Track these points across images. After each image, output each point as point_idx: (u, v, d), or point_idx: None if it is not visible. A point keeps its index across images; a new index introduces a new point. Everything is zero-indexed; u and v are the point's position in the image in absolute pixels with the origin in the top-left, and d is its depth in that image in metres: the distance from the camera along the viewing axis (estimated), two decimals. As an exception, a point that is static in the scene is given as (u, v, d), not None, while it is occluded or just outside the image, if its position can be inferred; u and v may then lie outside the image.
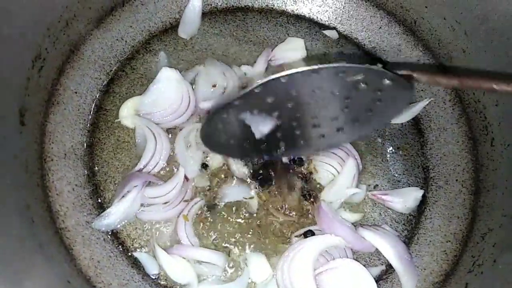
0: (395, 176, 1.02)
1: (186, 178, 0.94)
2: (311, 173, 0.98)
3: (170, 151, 0.97)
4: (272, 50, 1.08)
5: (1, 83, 0.80)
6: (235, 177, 0.97)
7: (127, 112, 0.99)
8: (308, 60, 1.09)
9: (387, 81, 0.68)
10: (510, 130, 0.91)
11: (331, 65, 0.67)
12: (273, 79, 0.67)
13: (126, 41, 1.07)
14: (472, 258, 0.90)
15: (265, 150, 0.86)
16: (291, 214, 0.95)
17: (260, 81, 0.68)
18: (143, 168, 0.94)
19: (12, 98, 0.83)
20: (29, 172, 0.86)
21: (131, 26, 1.08)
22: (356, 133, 0.84)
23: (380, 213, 0.98)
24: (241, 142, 0.84)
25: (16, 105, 0.84)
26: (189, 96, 0.98)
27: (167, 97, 0.98)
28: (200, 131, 0.83)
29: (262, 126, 0.79)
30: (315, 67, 0.67)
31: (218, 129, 0.79)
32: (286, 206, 0.96)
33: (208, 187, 0.96)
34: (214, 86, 1.01)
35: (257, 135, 0.81)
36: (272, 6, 1.15)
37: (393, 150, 1.04)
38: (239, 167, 0.97)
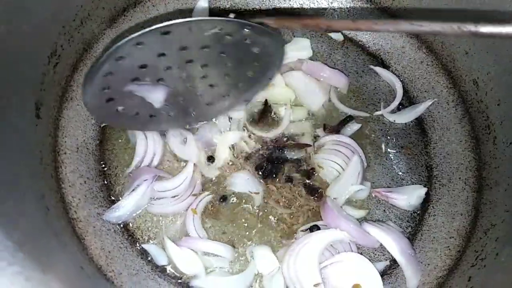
0: (399, 174, 1.03)
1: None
2: (313, 169, 1.00)
3: (163, 143, 0.98)
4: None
5: (19, 77, 0.82)
6: (244, 169, 0.99)
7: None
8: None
9: (246, 30, 0.71)
10: (512, 129, 0.93)
11: (180, 20, 0.68)
12: (126, 41, 0.68)
13: (137, 41, 1.09)
14: (475, 253, 0.91)
15: (177, 118, 0.87)
16: (290, 207, 0.97)
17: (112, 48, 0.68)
18: (140, 163, 0.96)
19: (29, 92, 0.86)
20: (43, 163, 0.89)
21: (142, 27, 1.09)
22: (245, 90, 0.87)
23: (384, 210, 1.00)
24: (146, 113, 0.82)
25: (32, 98, 0.87)
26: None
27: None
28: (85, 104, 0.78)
29: (154, 94, 0.78)
30: (163, 24, 0.68)
31: (110, 101, 0.77)
32: (285, 199, 0.98)
33: (216, 180, 0.98)
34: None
35: (156, 104, 0.80)
36: (278, 8, 1.18)
37: (397, 149, 1.05)
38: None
